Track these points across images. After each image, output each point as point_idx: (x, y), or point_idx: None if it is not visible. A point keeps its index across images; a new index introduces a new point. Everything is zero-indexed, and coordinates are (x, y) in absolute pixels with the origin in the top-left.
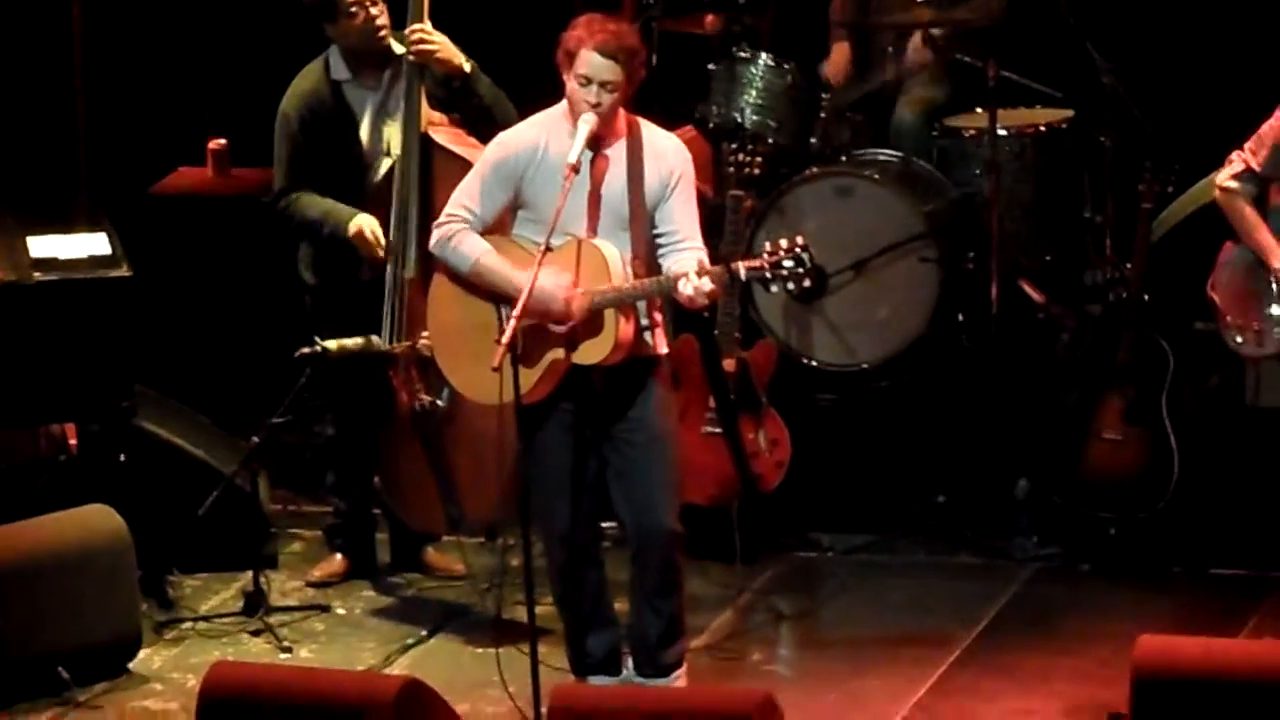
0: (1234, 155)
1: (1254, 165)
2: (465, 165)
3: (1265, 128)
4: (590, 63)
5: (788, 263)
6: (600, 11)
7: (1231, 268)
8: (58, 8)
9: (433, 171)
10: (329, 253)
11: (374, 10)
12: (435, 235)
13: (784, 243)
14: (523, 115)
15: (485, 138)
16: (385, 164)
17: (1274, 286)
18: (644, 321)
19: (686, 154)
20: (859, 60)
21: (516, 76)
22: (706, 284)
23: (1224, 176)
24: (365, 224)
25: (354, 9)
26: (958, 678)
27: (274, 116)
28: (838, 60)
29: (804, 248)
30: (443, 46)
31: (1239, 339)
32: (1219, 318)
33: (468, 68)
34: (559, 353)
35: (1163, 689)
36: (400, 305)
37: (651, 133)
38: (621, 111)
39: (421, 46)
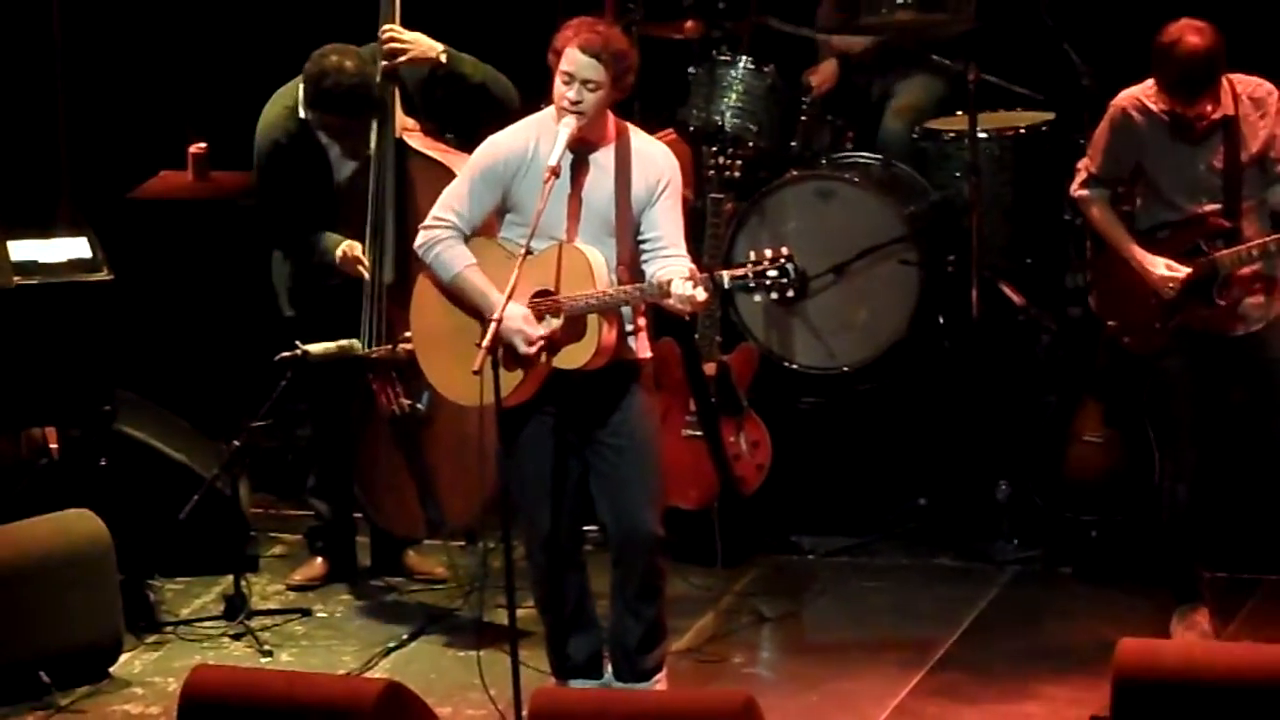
0: (1079, 164)
1: (1093, 169)
2: (440, 169)
3: (1096, 133)
4: (574, 60)
5: (771, 272)
6: (582, 15)
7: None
8: (38, 12)
9: (408, 176)
10: (306, 262)
11: (341, 139)
12: (421, 237)
13: (768, 252)
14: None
15: (488, 120)
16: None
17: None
18: (628, 327)
19: (674, 161)
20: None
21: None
22: (700, 293)
23: (1074, 187)
24: (350, 249)
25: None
26: (939, 680)
27: (254, 120)
28: (826, 73)
29: (788, 258)
30: (414, 44)
31: (1126, 339)
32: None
33: (444, 58)
34: (541, 356)
35: (1143, 692)
36: (378, 310)
37: (640, 139)
38: (610, 117)
39: (393, 46)
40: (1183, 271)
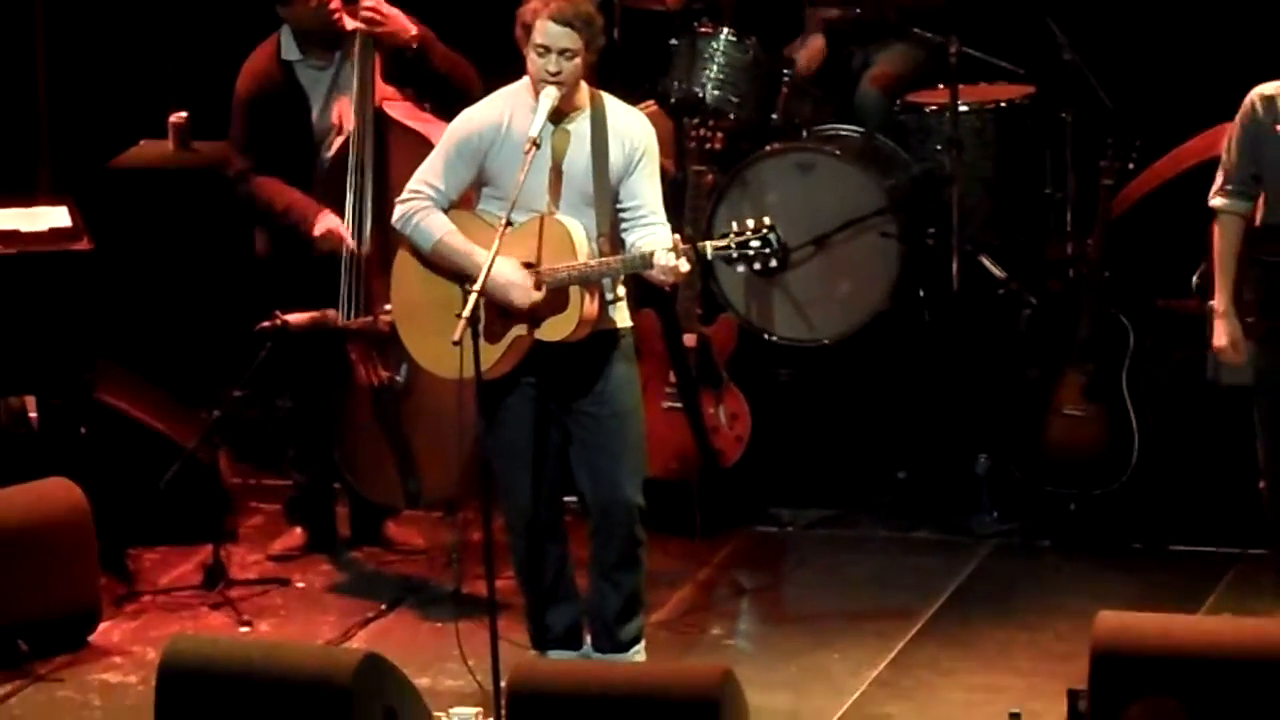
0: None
1: (1226, 167)
2: (420, 140)
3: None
4: (547, 31)
5: (754, 243)
6: None
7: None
8: None
9: (387, 147)
10: (286, 231)
11: None
12: (398, 211)
13: (750, 222)
14: (486, 84)
15: (446, 107)
16: (338, 142)
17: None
18: (608, 296)
19: (650, 128)
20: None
21: (477, 52)
22: (684, 264)
23: (1210, 193)
24: (332, 225)
25: None
26: (917, 652)
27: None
28: (813, 51)
29: (770, 227)
30: (391, 20)
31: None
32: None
33: (415, 44)
34: (522, 329)
35: (1121, 665)
36: (357, 281)
37: (615, 107)
38: (584, 86)
39: (372, 16)
40: (1240, 357)
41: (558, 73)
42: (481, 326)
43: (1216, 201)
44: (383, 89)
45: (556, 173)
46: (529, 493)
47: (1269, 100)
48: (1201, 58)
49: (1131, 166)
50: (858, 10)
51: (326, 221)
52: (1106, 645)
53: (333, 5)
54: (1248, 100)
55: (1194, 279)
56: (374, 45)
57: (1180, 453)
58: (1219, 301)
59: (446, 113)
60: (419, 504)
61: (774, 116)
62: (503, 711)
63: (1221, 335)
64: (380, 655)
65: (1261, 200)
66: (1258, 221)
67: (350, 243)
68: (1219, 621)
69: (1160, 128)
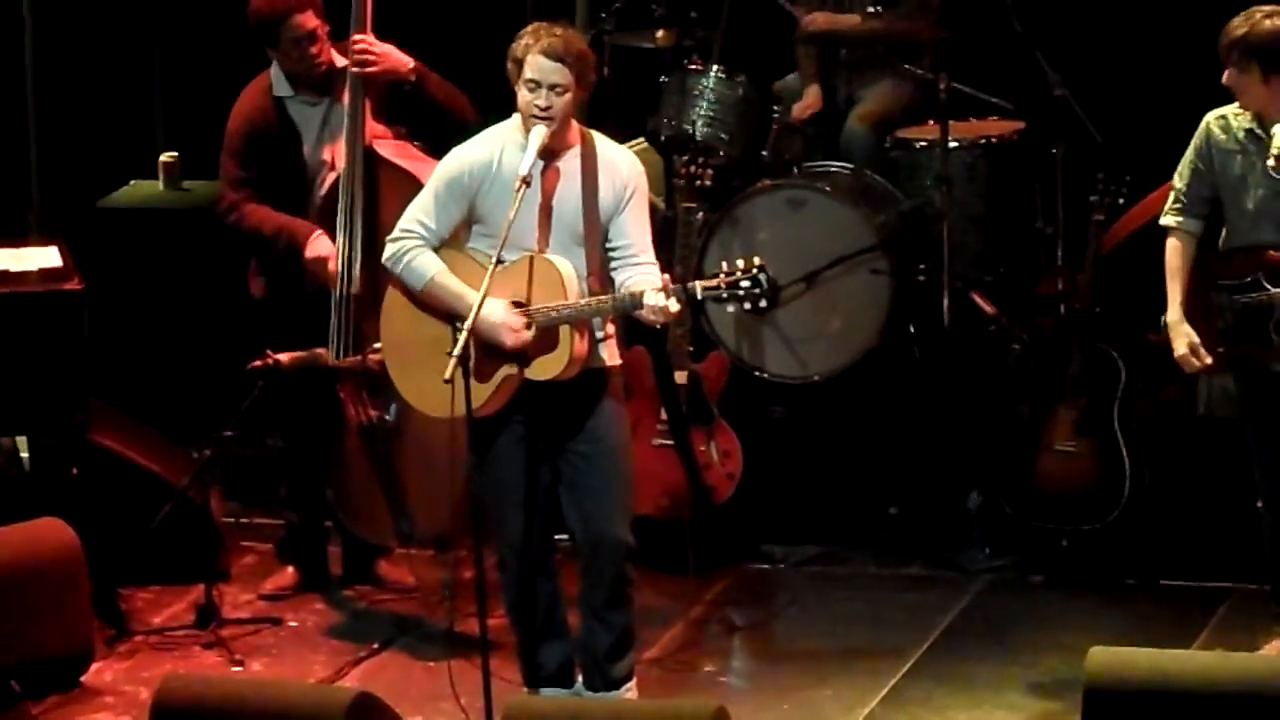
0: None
1: (1179, 185)
2: (410, 178)
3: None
4: (538, 66)
5: (744, 283)
6: (551, 21)
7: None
8: (8, 20)
9: (378, 185)
10: (277, 265)
11: (312, 50)
12: (389, 250)
13: (740, 262)
14: (481, 116)
15: (443, 139)
16: (330, 179)
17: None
18: (598, 334)
19: (639, 167)
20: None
21: (467, 88)
22: (673, 304)
23: (1163, 213)
24: (323, 251)
25: (291, 46)
26: (910, 689)
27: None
28: (808, 102)
29: (761, 268)
30: (385, 57)
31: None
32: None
33: (413, 76)
34: (512, 368)
35: (1114, 700)
36: (347, 319)
37: (604, 145)
38: (574, 124)
39: (364, 56)
40: (1201, 362)
41: (548, 108)
42: (472, 365)
43: (1167, 220)
44: (373, 127)
45: (546, 211)
46: (520, 530)
47: (1224, 119)
48: (1191, 93)
49: (1122, 202)
50: (844, 50)
51: (318, 247)
52: (1099, 681)
53: (313, 51)
54: (1203, 123)
55: (1163, 319)
56: (364, 83)
57: (1172, 488)
58: (1171, 313)
59: (443, 145)
60: (411, 542)
61: (764, 153)
62: None
63: (1180, 344)
64: (373, 694)
65: (1225, 228)
66: (1220, 246)
67: (336, 275)
68: (1211, 657)
69: (1151, 163)
